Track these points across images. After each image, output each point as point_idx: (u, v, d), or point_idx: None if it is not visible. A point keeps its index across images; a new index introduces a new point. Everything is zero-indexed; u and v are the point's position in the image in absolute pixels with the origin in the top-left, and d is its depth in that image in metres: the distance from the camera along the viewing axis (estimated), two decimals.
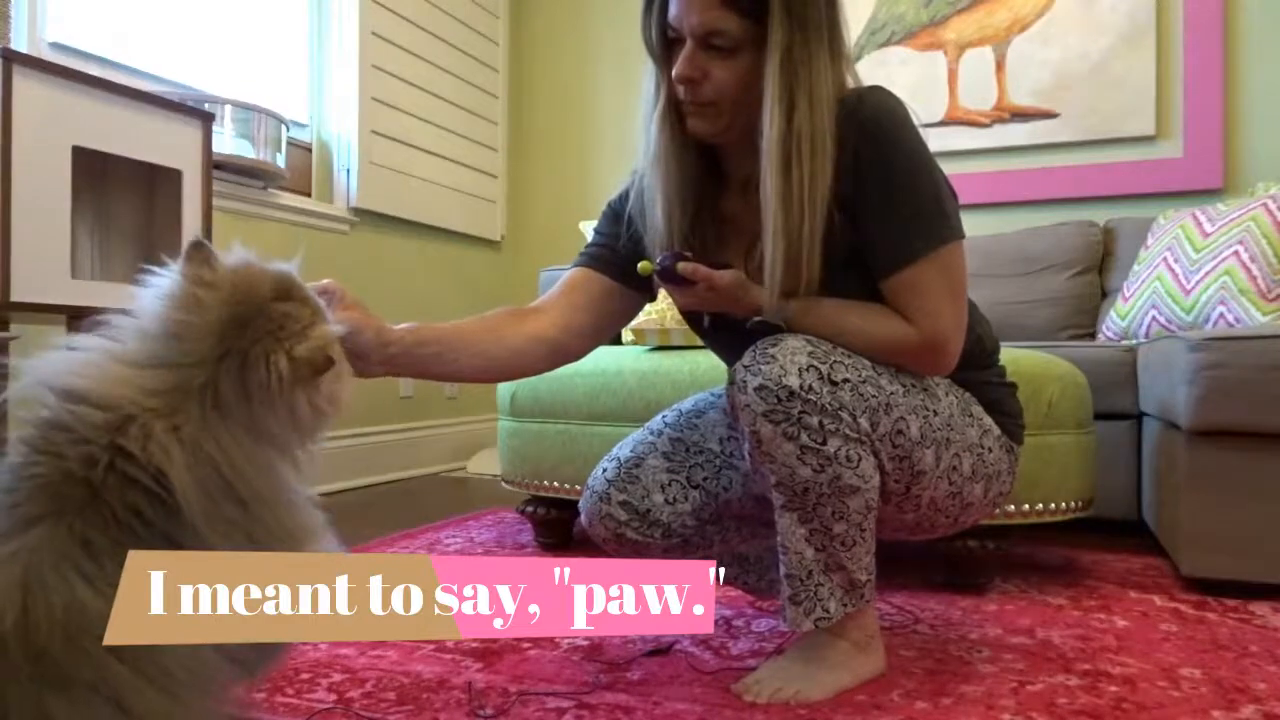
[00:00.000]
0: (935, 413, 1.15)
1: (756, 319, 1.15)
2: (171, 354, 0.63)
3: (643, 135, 1.19)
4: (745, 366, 1.09)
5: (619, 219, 1.28)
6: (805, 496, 1.09)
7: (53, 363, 0.61)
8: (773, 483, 1.11)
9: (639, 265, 1.16)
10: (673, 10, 1.09)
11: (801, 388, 1.06)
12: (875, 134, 1.08)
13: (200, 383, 0.63)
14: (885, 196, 1.10)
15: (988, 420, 1.22)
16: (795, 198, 1.07)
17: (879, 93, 1.11)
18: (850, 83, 1.14)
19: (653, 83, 1.17)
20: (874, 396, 1.10)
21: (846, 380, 1.08)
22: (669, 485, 1.30)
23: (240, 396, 0.65)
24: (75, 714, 0.54)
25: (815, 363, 1.07)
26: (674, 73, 1.10)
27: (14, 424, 0.61)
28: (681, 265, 1.12)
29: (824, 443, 1.07)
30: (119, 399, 0.59)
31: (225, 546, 0.63)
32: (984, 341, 1.26)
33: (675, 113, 1.16)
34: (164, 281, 0.67)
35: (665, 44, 1.14)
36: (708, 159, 1.22)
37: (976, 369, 1.24)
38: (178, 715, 0.59)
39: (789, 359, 1.07)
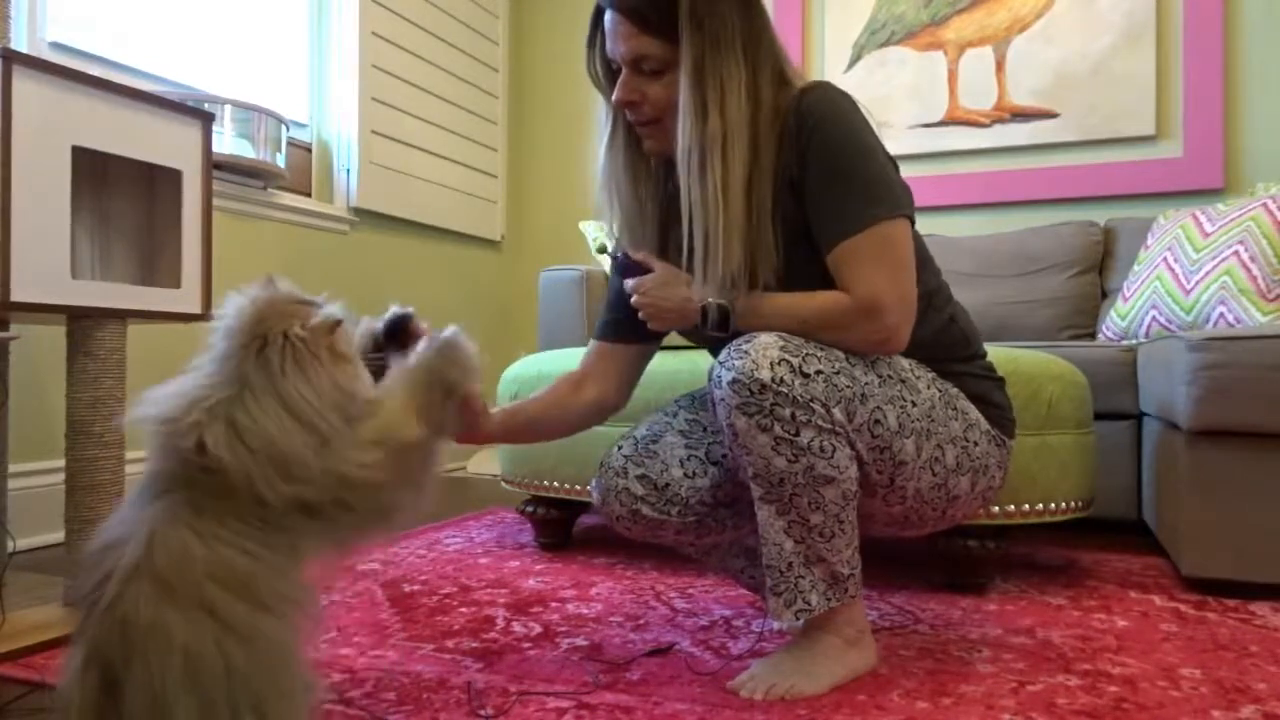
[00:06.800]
0: (914, 404, 1.17)
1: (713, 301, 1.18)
2: (221, 359, 0.84)
3: (595, 162, 1.31)
4: (720, 363, 1.13)
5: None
6: (781, 487, 1.11)
7: (153, 398, 0.83)
8: (750, 475, 1.14)
9: (597, 247, 1.22)
10: (608, 46, 1.21)
11: (773, 380, 1.08)
12: (816, 122, 1.15)
13: (234, 370, 0.82)
14: (824, 177, 1.16)
15: (974, 414, 1.24)
16: (712, 197, 1.14)
17: (822, 87, 1.19)
18: (796, 83, 1.21)
19: (604, 114, 1.29)
20: (848, 387, 1.12)
21: (819, 372, 1.11)
22: (688, 460, 1.31)
23: (263, 372, 0.82)
24: (187, 623, 0.74)
25: (787, 356, 1.10)
26: (614, 98, 1.22)
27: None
28: (636, 254, 1.23)
29: (797, 434, 1.09)
30: (187, 410, 0.80)
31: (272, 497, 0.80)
32: (967, 333, 1.29)
33: (628, 137, 1.27)
34: (223, 310, 0.87)
35: (610, 76, 1.25)
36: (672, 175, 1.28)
37: (958, 360, 1.27)
38: (265, 627, 0.78)
39: (761, 354, 1.10)
